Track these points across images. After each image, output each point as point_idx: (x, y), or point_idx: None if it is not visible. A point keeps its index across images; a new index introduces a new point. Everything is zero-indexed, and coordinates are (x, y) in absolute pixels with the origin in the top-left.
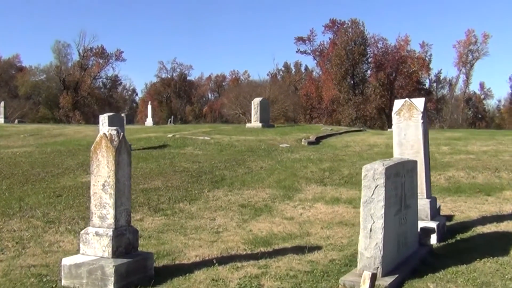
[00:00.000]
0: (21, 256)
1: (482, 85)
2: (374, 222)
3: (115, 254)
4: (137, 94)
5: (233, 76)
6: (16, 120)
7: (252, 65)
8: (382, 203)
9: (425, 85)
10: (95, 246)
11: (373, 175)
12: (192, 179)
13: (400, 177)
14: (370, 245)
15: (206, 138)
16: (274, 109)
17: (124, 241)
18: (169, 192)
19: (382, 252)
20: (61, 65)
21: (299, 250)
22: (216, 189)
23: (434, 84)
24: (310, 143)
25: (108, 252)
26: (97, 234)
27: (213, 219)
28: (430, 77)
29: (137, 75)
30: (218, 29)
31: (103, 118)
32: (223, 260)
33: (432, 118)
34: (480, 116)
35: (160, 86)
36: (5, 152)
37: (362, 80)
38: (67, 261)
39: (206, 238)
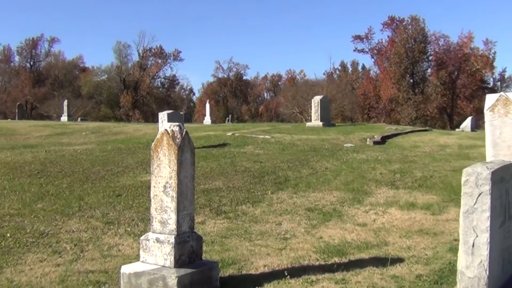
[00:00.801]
0: (79, 260)
1: None
2: (477, 236)
3: (178, 263)
4: (194, 94)
5: (289, 75)
6: (79, 118)
7: (308, 65)
8: (487, 213)
9: (489, 83)
10: (156, 253)
11: (475, 181)
12: (254, 180)
13: (504, 183)
14: (473, 263)
15: (267, 137)
16: (332, 108)
17: (187, 249)
18: (231, 193)
19: (487, 272)
20: (122, 65)
21: (379, 262)
22: (280, 190)
23: (498, 83)
24: (375, 142)
25: (170, 261)
26: (158, 241)
27: (279, 223)
28: (494, 76)
29: (194, 75)
30: (274, 28)
31: (162, 116)
32: (295, 272)
33: None
34: None
35: (217, 85)
36: (67, 150)
37: (422, 78)
38: (126, 269)
39: (273, 245)
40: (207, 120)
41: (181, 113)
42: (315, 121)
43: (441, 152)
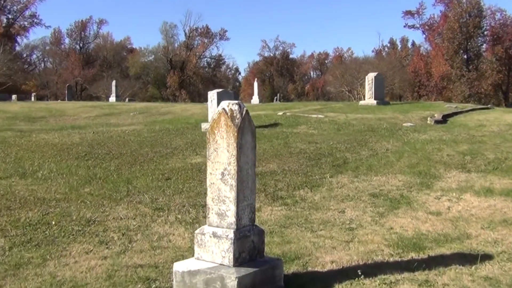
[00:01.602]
0: (127, 252)
1: None
2: None
3: (238, 261)
4: (240, 73)
5: (337, 53)
6: (127, 99)
7: (356, 42)
8: None
9: None
10: (213, 250)
11: None
12: (310, 162)
13: None
14: None
15: (320, 116)
16: None
17: (248, 244)
18: (286, 177)
19: None
20: (168, 45)
21: (463, 259)
22: (340, 174)
23: None
24: (437, 121)
25: (228, 258)
26: (215, 235)
27: (342, 211)
28: None
29: (240, 54)
30: (321, 5)
31: (212, 95)
32: (368, 270)
33: None
34: None
35: (263, 64)
36: (115, 131)
37: (476, 54)
38: (179, 266)
39: (339, 237)
40: (255, 99)
41: (231, 91)
42: (369, 99)
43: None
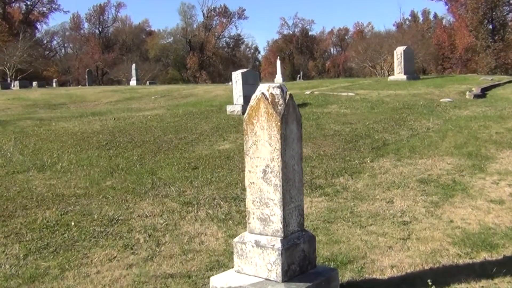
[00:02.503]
0: (155, 258)
1: None
2: None
3: (287, 275)
4: (259, 52)
5: (357, 29)
6: (148, 82)
7: (376, 17)
8: None
9: None
10: (256, 262)
11: None
12: (347, 145)
13: None
14: None
15: (350, 94)
16: None
17: (298, 254)
18: (323, 163)
19: None
20: (187, 26)
21: None
22: (381, 157)
23: None
24: (476, 96)
25: (276, 272)
26: (257, 244)
27: (390, 201)
28: None
29: (259, 33)
30: None
31: (236, 76)
32: (438, 277)
33: None
34: None
35: (282, 42)
36: (136, 116)
37: (502, 24)
38: (217, 282)
39: (393, 233)
40: (278, 78)
41: (256, 72)
42: (398, 74)
43: None
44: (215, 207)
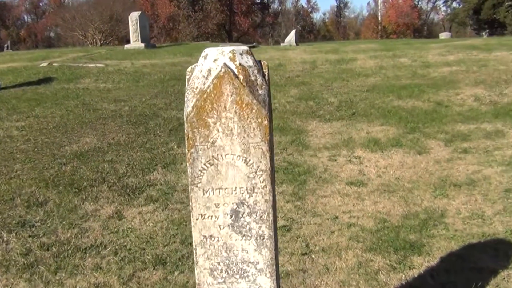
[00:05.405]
0: None
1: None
2: None
3: None
4: None
5: None
6: None
7: None
8: None
9: None
10: None
11: None
12: (138, 129)
13: None
14: None
15: (99, 65)
16: None
17: None
18: (121, 155)
19: None
20: None
21: None
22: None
23: None
24: None
25: None
26: None
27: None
28: None
29: None
30: None
31: None
32: None
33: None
34: (308, 29)
35: None
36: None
37: None
38: None
39: (283, 247)
40: None
41: None
42: (135, 42)
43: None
44: None
